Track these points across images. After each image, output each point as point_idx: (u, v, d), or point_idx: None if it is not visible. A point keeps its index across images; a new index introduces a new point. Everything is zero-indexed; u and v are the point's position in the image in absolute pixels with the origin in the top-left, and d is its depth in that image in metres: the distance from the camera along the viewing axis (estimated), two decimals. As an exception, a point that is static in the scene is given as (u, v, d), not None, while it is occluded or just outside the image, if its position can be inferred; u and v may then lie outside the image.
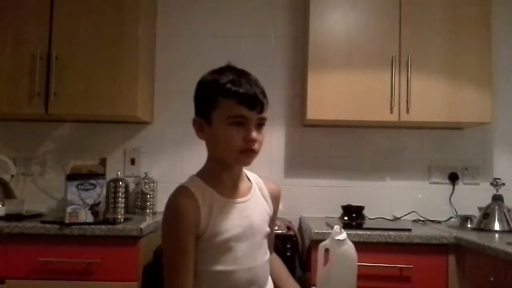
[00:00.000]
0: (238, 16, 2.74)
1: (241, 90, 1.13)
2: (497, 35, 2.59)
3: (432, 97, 2.36)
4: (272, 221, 1.31)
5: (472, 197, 2.58)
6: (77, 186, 2.04)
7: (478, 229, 2.23)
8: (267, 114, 1.18)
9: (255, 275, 1.17)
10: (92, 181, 2.06)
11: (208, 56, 2.70)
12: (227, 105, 1.13)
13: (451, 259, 2.02)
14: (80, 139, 2.68)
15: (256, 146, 1.13)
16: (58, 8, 2.37)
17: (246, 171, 1.29)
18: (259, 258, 1.19)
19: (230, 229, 1.13)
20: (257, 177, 1.32)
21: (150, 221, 2.22)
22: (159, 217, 2.42)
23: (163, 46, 2.72)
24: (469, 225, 2.32)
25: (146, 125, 2.70)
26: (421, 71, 2.36)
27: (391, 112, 2.36)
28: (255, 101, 1.14)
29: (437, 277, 2.02)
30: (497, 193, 2.29)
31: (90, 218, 2.03)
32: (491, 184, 2.30)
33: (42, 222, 2.06)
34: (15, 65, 2.35)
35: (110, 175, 2.49)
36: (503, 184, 2.28)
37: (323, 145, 2.70)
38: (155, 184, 2.58)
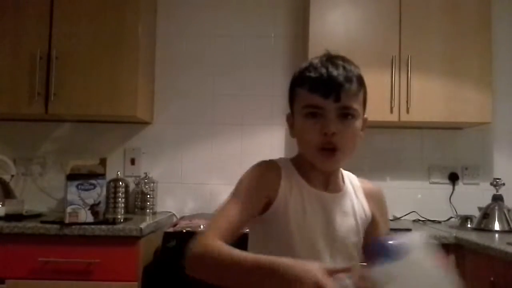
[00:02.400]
0: (238, 16, 2.74)
1: (314, 75, 0.98)
2: (497, 35, 2.59)
3: (432, 97, 2.36)
4: (379, 226, 1.11)
5: (472, 197, 2.58)
6: (77, 186, 2.03)
7: (478, 229, 2.23)
8: (355, 101, 1.01)
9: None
10: (92, 181, 2.06)
11: (208, 56, 2.70)
12: (301, 94, 1.01)
13: (451, 259, 2.02)
14: (80, 139, 2.68)
15: (337, 140, 0.97)
16: (58, 8, 2.37)
17: (344, 172, 1.15)
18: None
19: (307, 217, 1.01)
20: (355, 178, 1.17)
21: (150, 221, 2.22)
22: (159, 217, 2.43)
23: (163, 46, 2.72)
24: (469, 225, 2.32)
25: (146, 125, 2.70)
26: (421, 71, 2.36)
27: (391, 112, 2.36)
28: (330, 87, 0.96)
29: (437, 277, 2.02)
30: (497, 193, 2.29)
31: (90, 218, 2.03)
32: (491, 184, 2.30)
33: (42, 222, 2.07)
34: (15, 65, 2.35)
35: (110, 175, 2.49)
36: (503, 184, 2.28)
37: (323, 145, 2.69)
38: (155, 184, 2.58)
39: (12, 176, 2.48)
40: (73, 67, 2.35)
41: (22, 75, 2.35)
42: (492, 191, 2.30)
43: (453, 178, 2.66)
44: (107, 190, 2.38)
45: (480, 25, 2.38)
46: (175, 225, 2.16)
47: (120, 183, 2.50)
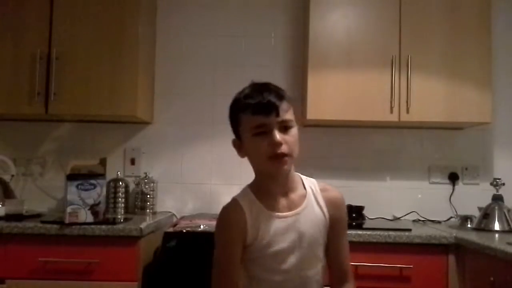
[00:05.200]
0: (238, 16, 2.74)
1: (253, 102, 1.15)
2: (497, 35, 2.59)
3: (432, 97, 2.36)
4: (336, 230, 1.27)
5: (472, 197, 2.57)
6: (77, 186, 2.04)
7: (478, 229, 2.23)
8: (289, 115, 1.19)
9: (305, 284, 1.20)
10: (92, 181, 2.06)
11: (208, 56, 2.70)
12: (246, 119, 1.17)
13: (451, 259, 2.02)
14: (80, 139, 2.68)
15: (284, 148, 1.13)
16: (58, 8, 2.37)
17: (304, 177, 1.30)
18: (310, 268, 1.21)
19: (277, 242, 1.17)
20: (315, 183, 1.30)
21: (150, 221, 2.22)
22: (159, 217, 2.43)
23: (163, 45, 2.72)
24: (469, 225, 2.32)
25: (146, 125, 2.70)
26: (421, 71, 2.36)
27: (391, 112, 2.36)
28: (269, 107, 1.14)
29: (437, 277, 2.02)
30: (497, 193, 2.29)
31: (90, 218, 2.03)
32: (491, 184, 2.30)
33: (42, 222, 2.06)
34: (15, 65, 2.35)
35: (110, 175, 2.49)
36: (503, 184, 2.28)
37: (323, 145, 2.69)
38: (155, 184, 2.58)
39: (12, 176, 2.48)
40: (73, 67, 2.35)
41: (22, 75, 2.35)
42: (492, 191, 2.30)
43: (453, 178, 2.66)
44: (107, 190, 2.38)
45: (480, 25, 2.38)
46: (175, 225, 2.16)
47: (120, 183, 2.50)
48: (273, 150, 1.13)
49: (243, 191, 1.24)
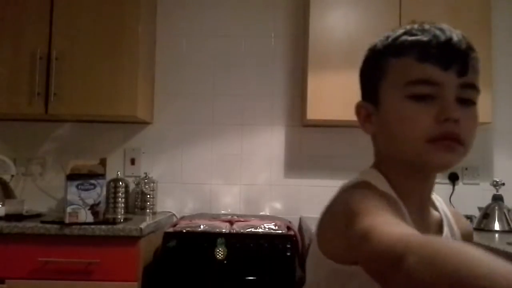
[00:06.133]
0: (238, 16, 2.74)
1: (425, 38, 0.69)
2: (497, 36, 2.59)
3: (432, 97, 2.36)
4: None
5: (472, 197, 2.58)
6: (77, 186, 2.03)
7: (478, 229, 2.23)
8: (478, 81, 0.72)
9: None
10: (92, 181, 2.06)
11: (208, 56, 2.70)
12: (402, 66, 0.71)
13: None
14: (80, 139, 2.68)
15: (460, 131, 0.68)
16: (58, 8, 2.37)
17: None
18: None
19: None
20: (443, 203, 0.85)
21: (150, 221, 2.22)
22: (159, 217, 2.43)
23: (163, 45, 2.72)
24: (469, 225, 2.33)
25: (146, 125, 2.70)
26: (421, 71, 2.36)
27: (391, 112, 2.36)
28: (452, 54, 0.69)
29: (437, 277, 2.02)
30: (497, 193, 2.29)
31: (90, 218, 2.03)
32: (491, 184, 2.30)
33: (42, 222, 2.06)
34: (15, 65, 2.35)
35: (110, 175, 2.49)
36: (503, 184, 2.28)
37: (323, 145, 2.69)
38: (155, 184, 2.58)
39: (12, 176, 2.48)
40: (73, 67, 2.35)
41: (22, 75, 2.35)
42: (492, 191, 2.30)
43: (453, 178, 2.66)
44: (107, 190, 2.38)
45: (480, 26, 2.38)
46: (175, 225, 2.16)
47: (120, 183, 2.50)
48: (441, 128, 0.67)
49: (373, 176, 0.77)
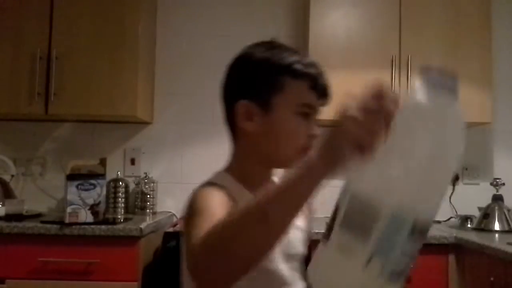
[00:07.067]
0: (238, 16, 2.74)
1: (314, 72, 0.91)
2: (497, 35, 2.59)
3: (432, 97, 2.36)
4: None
5: (472, 197, 2.57)
6: (77, 186, 2.04)
7: (478, 229, 2.23)
8: None
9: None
10: (92, 181, 2.06)
11: (208, 56, 2.70)
12: (297, 88, 0.90)
13: (451, 259, 2.02)
14: (80, 139, 2.68)
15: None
16: (58, 8, 2.37)
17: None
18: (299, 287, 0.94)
19: None
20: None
21: (150, 221, 2.22)
22: (159, 217, 2.43)
23: (164, 45, 2.72)
24: (469, 225, 2.32)
25: (146, 125, 2.70)
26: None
27: (391, 112, 2.36)
28: (326, 88, 0.93)
29: (437, 277, 2.02)
30: (497, 193, 2.29)
31: (90, 218, 2.03)
32: (491, 184, 2.30)
33: (42, 222, 2.06)
34: (15, 65, 2.35)
35: (110, 175, 2.49)
36: (503, 184, 2.28)
37: (323, 145, 2.69)
38: (155, 184, 2.58)
39: (12, 176, 2.48)
40: (73, 67, 2.35)
41: (22, 75, 2.35)
42: (492, 191, 2.30)
43: (453, 178, 2.66)
44: (107, 190, 2.38)
45: (480, 26, 2.38)
46: (175, 225, 2.16)
47: (120, 183, 2.50)
48: (309, 142, 0.89)
49: (220, 176, 0.95)
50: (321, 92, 0.92)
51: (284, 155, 0.91)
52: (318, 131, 0.91)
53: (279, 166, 0.95)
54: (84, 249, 2.00)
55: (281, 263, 0.91)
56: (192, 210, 0.82)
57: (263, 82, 0.91)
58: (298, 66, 0.91)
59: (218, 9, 2.74)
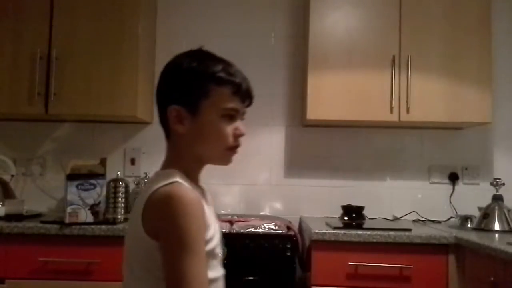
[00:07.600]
0: (238, 16, 2.74)
1: (238, 81, 1.02)
2: (497, 35, 2.59)
3: (432, 97, 2.36)
4: None
5: (472, 197, 2.58)
6: (77, 186, 2.04)
7: (478, 229, 2.23)
8: None
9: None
10: (92, 181, 2.06)
11: (208, 56, 2.70)
12: (221, 94, 1.01)
13: (451, 259, 2.02)
14: (80, 139, 2.68)
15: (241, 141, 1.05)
16: (58, 8, 2.37)
17: None
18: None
19: (216, 232, 1.03)
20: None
21: (150, 221, 2.22)
22: (159, 217, 2.42)
23: (163, 45, 2.72)
24: (469, 225, 2.32)
25: (146, 125, 2.70)
26: (421, 71, 2.36)
27: (391, 112, 2.36)
28: (250, 95, 1.06)
29: (437, 277, 2.02)
30: (497, 193, 2.29)
31: (90, 218, 2.04)
32: (491, 184, 2.30)
33: (42, 222, 2.07)
34: (15, 65, 2.36)
35: (110, 175, 2.48)
36: (503, 184, 2.28)
37: (323, 145, 2.69)
38: (155, 184, 2.57)
39: (12, 176, 2.49)
40: (73, 67, 2.35)
41: (22, 75, 2.35)
42: (492, 191, 2.30)
43: (453, 178, 2.66)
44: (107, 190, 2.38)
45: (480, 25, 2.38)
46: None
47: (120, 183, 2.49)
48: (236, 142, 1.03)
49: (178, 177, 0.98)
50: (244, 96, 1.04)
51: (214, 153, 1.05)
52: (243, 131, 1.04)
53: (210, 162, 1.08)
54: (84, 249, 2.00)
55: (221, 268, 1.07)
56: (179, 239, 0.89)
57: (191, 89, 1.02)
58: (221, 74, 1.02)
59: (218, 9, 2.74)
